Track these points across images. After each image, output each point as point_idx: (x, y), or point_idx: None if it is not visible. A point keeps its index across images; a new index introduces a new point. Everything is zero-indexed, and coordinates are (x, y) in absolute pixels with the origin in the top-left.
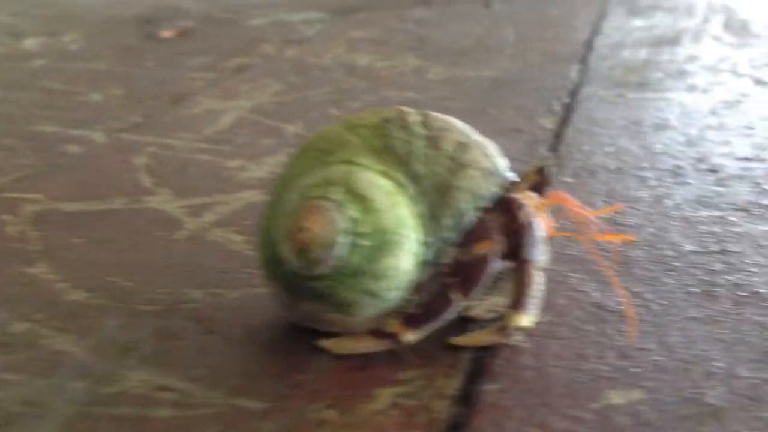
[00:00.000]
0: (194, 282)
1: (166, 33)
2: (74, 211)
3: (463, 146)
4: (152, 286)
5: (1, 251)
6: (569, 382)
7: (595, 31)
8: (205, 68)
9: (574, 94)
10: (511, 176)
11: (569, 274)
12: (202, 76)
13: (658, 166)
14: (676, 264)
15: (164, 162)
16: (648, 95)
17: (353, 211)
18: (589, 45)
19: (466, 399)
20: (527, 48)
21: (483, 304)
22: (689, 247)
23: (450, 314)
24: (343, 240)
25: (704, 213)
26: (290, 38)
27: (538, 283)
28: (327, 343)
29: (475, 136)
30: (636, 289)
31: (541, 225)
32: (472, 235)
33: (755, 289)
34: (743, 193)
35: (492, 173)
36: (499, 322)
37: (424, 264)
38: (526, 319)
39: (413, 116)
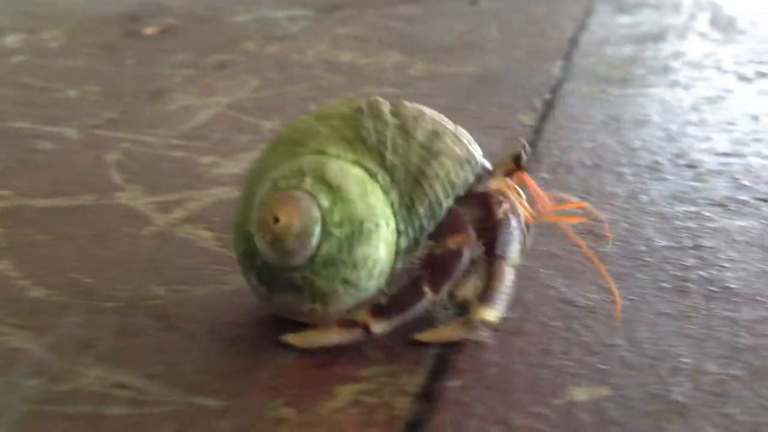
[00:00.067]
0: (159, 279)
1: (149, 30)
2: (42, 208)
3: (436, 134)
4: (115, 282)
5: None
6: (533, 379)
7: (581, 27)
8: (185, 65)
9: (555, 90)
10: (486, 164)
11: (540, 270)
12: (181, 73)
13: (635, 161)
14: (649, 259)
15: (137, 158)
16: (630, 91)
17: (325, 201)
18: (573, 42)
19: (428, 396)
20: (511, 45)
21: (469, 285)
22: (663, 243)
23: (420, 307)
24: (316, 229)
25: (680, 208)
26: (273, 35)
27: (508, 279)
28: (291, 339)
29: (448, 124)
30: (606, 285)
31: (517, 222)
32: (447, 228)
33: (727, 285)
34: (720, 188)
35: (466, 161)
36: (465, 317)
37: (400, 253)
38: (493, 313)
39: (385, 105)
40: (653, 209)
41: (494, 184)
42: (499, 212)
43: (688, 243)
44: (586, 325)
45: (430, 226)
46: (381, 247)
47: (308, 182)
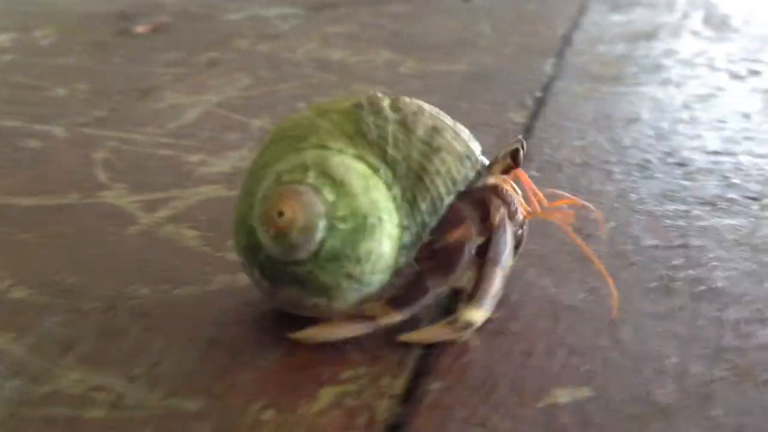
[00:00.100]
0: (142, 278)
1: (141, 28)
2: (27, 206)
3: (436, 130)
4: (98, 282)
5: None
6: (516, 380)
7: (574, 26)
8: (176, 63)
9: (547, 88)
10: (484, 160)
11: (527, 269)
12: (171, 71)
13: (625, 160)
14: (636, 258)
15: (124, 157)
16: (621, 89)
17: (329, 195)
18: (566, 40)
19: (410, 398)
20: (504, 42)
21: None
22: (651, 242)
23: (429, 299)
24: (320, 224)
25: (669, 207)
26: (265, 33)
27: (497, 284)
28: (304, 334)
29: (447, 120)
30: (592, 284)
31: (512, 229)
32: (447, 223)
33: (714, 284)
34: (710, 187)
35: (466, 157)
36: (450, 317)
37: (403, 248)
38: (478, 315)
39: (384, 101)
40: (642, 208)
41: (492, 181)
42: (497, 218)
43: (676, 242)
44: (571, 325)
45: (431, 222)
46: (384, 242)
47: (312, 176)
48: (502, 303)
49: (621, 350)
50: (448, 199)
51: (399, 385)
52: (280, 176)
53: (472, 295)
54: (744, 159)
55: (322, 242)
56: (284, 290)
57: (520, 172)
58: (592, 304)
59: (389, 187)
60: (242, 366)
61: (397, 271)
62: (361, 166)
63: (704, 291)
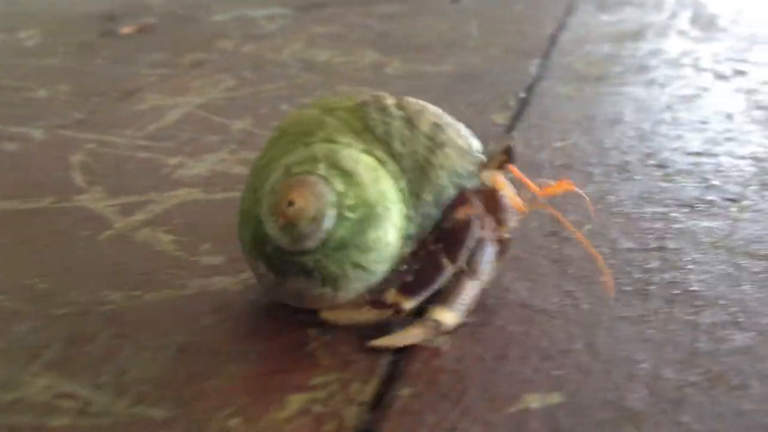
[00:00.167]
0: (114, 284)
1: (126, 29)
2: (1, 210)
3: (439, 127)
4: (70, 288)
5: None
6: (487, 386)
7: (561, 26)
8: (160, 64)
9: (531, 89)
10: (482, 156)
11: (504, 272)
12: (155, 72)
13: (605, 161)
14: (612, 261)
15: (101, 159)
16: (605, 90)
17: (339, 185)
18: (553, 40)
19: (379, 405)
20: (490, 43)
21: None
22: (627, 245)
23: (442, 279)
24: (330, 213)
25: (647, 209)
26: (250, 34)
27: (472, 294)
28: (327, 315)
29: (448, 118)
30: (567, 288)
31: (493, 247)
32: (453, 203)
33: (689, 287)
34: (689, 188)
35: (467, 152)
36: (421, 319)
37: (407, 238)
38: (449, 316)
39: (389, 100)
40: (619, 210)
41: (487, 176)
42: (484, 234)
43: (653, 245)
44: (544, 329)
45: (436, 213)
46: (391, 232)
47: (322, 167)
48: (476, 307)
49: (594, 355)
50: (452, 192)
51: (369, 391)
52: (289, 168)
53: (445, 298)
54: (724, 160)
55: (331, 232)
56: (290, 282)
57: (514, 167)
58: (567, 309)
59: (396, 180)
60: (211, 372)
61: (401, 261)
62: (369, 159)
63: (679, 294)
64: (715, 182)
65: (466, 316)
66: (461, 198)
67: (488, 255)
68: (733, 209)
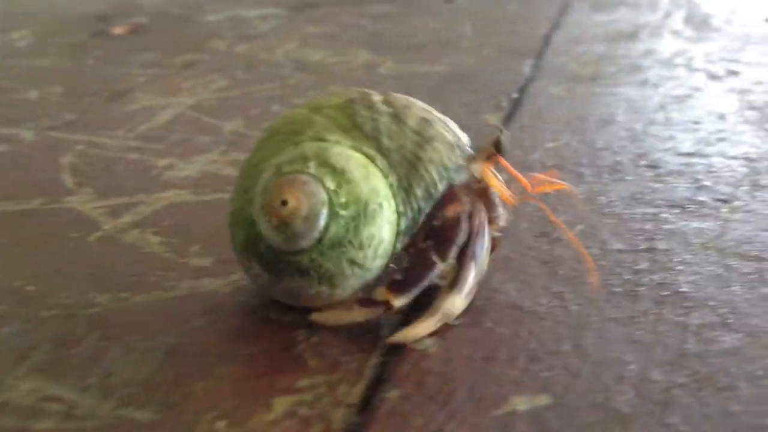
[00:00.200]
0: (101, 286)
1: (118, 30)
2: None
3: (426, 121)
4: (57, 290)
5: None
6: (475, 388)
7: (555, 26)
8: (152, 65)
9: (523, 89)
10: (471, 150)
11: (493, 273)
12: (147, 73)
13: (597, 162)
14: (602, 263)
15: (91, 161)
16: (598, 90)
17: (331, 183)
18: (547, 40)
19: (367, 407)
20: (484, 43)
21: None
22: (617, 246)
23: (432, 277)
24: (323, 211)
25: (638, 210)
26: (243, 34)
27: (474, 279)
28: (316, 317)
29: (435, 112)
30: (557, 289)
31: (488, 237)
32: (442, 201)
33: (678, 289)
34: (681, 189)
35: (455, 146)
36: (432, 307)
37: (400, 233)
38: (458, 301)
39: (375, 96)
40: (610, 211)
41: (477, 169)
42: (476, 221)
43: (643, 246)
44: (533, 331)
45: (427, 207)
46: (385, 227)
47: (312, 166)
48: (465, 309)
49: (582, 356)
50: (442, 186)
51: (356, 393)
52: (280, 168)
53: (452, 284)
54: (716, 160)
55: (325, 230)
56: (285, 281)
57: (502, 159)
58: (556, 310)
59: (386, 176)
60: (199, 375)
61: (394, 256)
62: (359, 156)
63: (668, 296)
64: (707, 183)
65: (470, 304)
66: (450, 195)
67: (485, 245)
68: (724, 210)
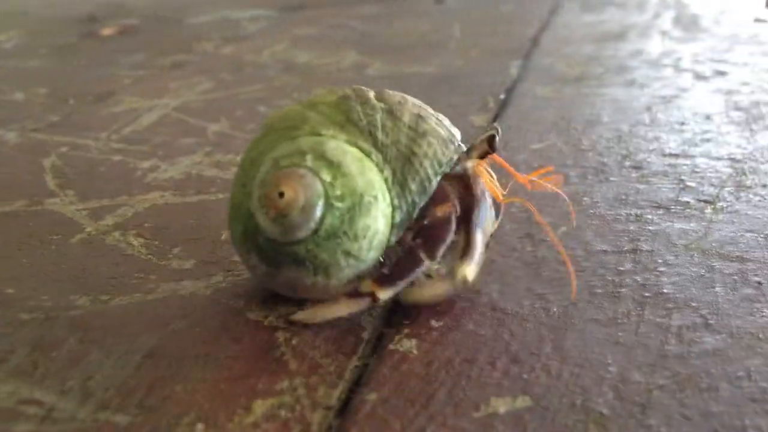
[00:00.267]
0: (82, 288)
1: (107, 31)
2: None
3: (420, 117)
4: (37, 292)
5: None
6: (455, 390)
7: (544, 27)
8: (139, 66)
9: (511, 90)
10: (463, 145)
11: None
12: (133, 74)
13: (582, 163)
14: (585, 264)
15: (74, 163)
16: (585, 91)
17: (327, 176)
18: (535, 41)
19: (346, 409)
20: (473, 44)
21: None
22: (601, 247)
23: (417, 273)
24: (319, 203)
25: (622, 211)
26: (232, 35)
27: (482, 245)
28: (299, 316)
29: (429, 109)
30: (539, 291)
31: (490, 197)
32: (433, 200)
33: (661, 290)
34: (665, 190)
35: (449, 141)
36: (447, 274)
37: (395, 226)
38: (472, 269)
39: (370, 92)
40: (594, 212)
41: (470, 165)
42: (477, 190)
43: (627, 247)
44: (514, 333)
45: (421, 201)
46: (379, 219)
47: (309, 159)
48: (445, 311)
49: (562, 358)
50: (436, 180)
51: (336, 395)
52: (277, 162)
53: (464, 254)
54: (701, 161)
55: (321, 221)
56: (283, 272)
57: (496, 156)
58: (538, 312)
59: (381, 170)
60: (178, 377)
61: (389, 249)
62: (354, 150)
63: (651, 297)
64: (691, 184)
65: (481, 272)
66: (442, 195)
67: (489, 210)
68: (708, 211)
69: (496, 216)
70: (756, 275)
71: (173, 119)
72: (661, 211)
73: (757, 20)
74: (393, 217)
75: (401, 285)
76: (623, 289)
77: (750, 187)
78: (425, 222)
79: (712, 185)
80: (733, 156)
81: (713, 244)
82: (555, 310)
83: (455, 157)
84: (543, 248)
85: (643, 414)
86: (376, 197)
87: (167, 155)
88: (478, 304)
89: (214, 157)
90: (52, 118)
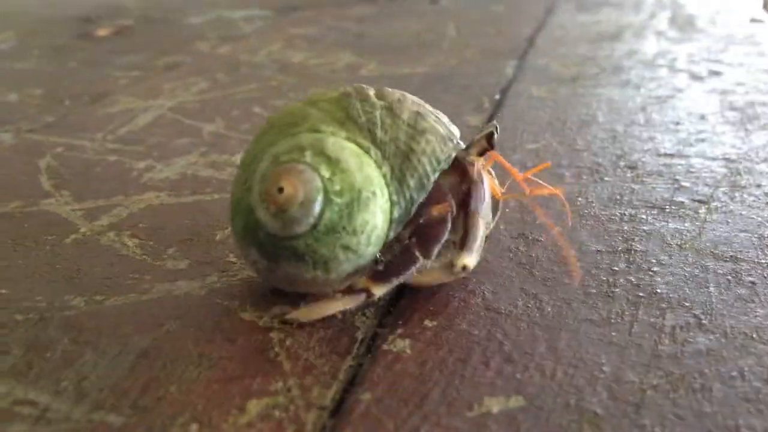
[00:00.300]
0: (76, 289)
1: (102, 31)
2: None
3: (419, 115)
4: (31, 293)
5: None
6: (449, 390)
7: (539, 27)
8: (134, 67)
9: (505, 90)
10: (462, 143)
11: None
12: (129, 75)
13: (576, 163)
14: (580, 264)
15: (69, 164)
16: (580, 91)
17: (326, 171)
18: (530, 41)
19: (340, 409)
20: (468, 45)
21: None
22: (595, 247)
23: (412, 271)
24: (319, 198)
25: (616, 211)
26: (227, 36)
27: (481, 231)
28: (295, 314)
29: (428, 106)
30: (533, 291)
31: (487, 184)
32: (429, 199)
33: (654, 290)
34: (660, 190)
35: (448, 138)
36: (447, 262)
37: (393, 222)
38: (472, 259)
39: (370, 90)
40: (589, 212)
41: (468, 160)
42: (474, 173)
43: (621, 247)
44: (508, 333)
45: (419, 197)
46: (378, 215)
47: (308, 155)
48: (439, 311)
49: (556, 358)
50: (434, 177)
51: (329, 395)
52: (277, 158)
53: (462, 243)
54: (695, 161)
55: (320, 216)
56: (283, 266)
57: (495, 153)
58: (531, 311)
59: (379, 166)
60: (172, 378)
61: (387, 244)
62: (353, 146)
63: (644, 297)
64: (686, 184)
65: (481, 258)
66: (438, 194)
67: (486, 193)
68: (702, 211)
69: (494, 213)
70: (750, 275)
71: (169, 120)
72: (655, 211)
73: (754, 20)
74: (391, 212)
75: (396, 281)
76: (617, 289)
77: (744, 187)
78: (421, 221)
79: (706, 185)
80: (727, 156)
81: (707, 244)
82: (549, 309)
83: (453, 154)
84: (537, 248)
85: (636, 414)
86: (374, 193)
87: (162, 156)
88: (471, 304)
89: (209, 158)
90: (48, 118)
